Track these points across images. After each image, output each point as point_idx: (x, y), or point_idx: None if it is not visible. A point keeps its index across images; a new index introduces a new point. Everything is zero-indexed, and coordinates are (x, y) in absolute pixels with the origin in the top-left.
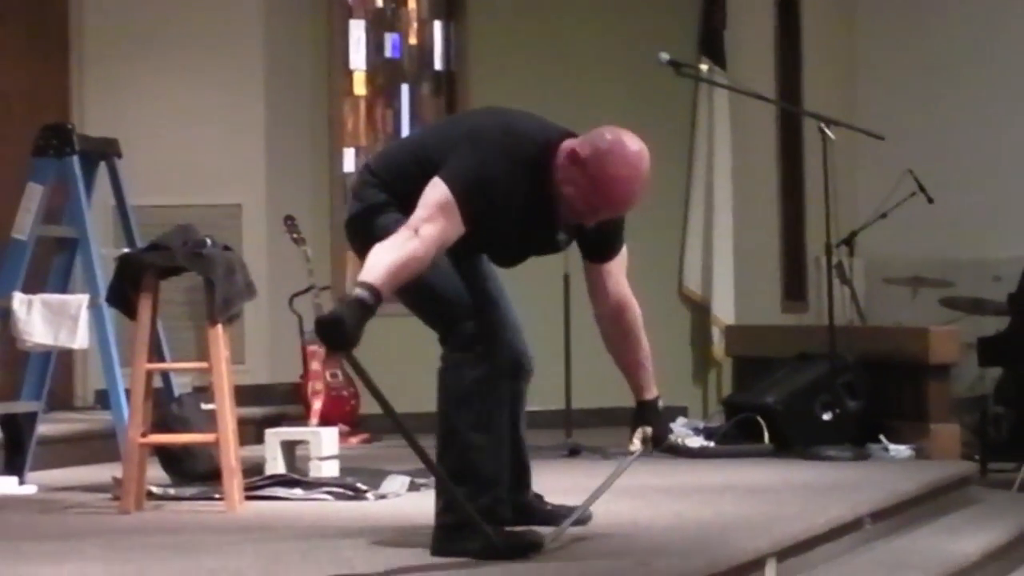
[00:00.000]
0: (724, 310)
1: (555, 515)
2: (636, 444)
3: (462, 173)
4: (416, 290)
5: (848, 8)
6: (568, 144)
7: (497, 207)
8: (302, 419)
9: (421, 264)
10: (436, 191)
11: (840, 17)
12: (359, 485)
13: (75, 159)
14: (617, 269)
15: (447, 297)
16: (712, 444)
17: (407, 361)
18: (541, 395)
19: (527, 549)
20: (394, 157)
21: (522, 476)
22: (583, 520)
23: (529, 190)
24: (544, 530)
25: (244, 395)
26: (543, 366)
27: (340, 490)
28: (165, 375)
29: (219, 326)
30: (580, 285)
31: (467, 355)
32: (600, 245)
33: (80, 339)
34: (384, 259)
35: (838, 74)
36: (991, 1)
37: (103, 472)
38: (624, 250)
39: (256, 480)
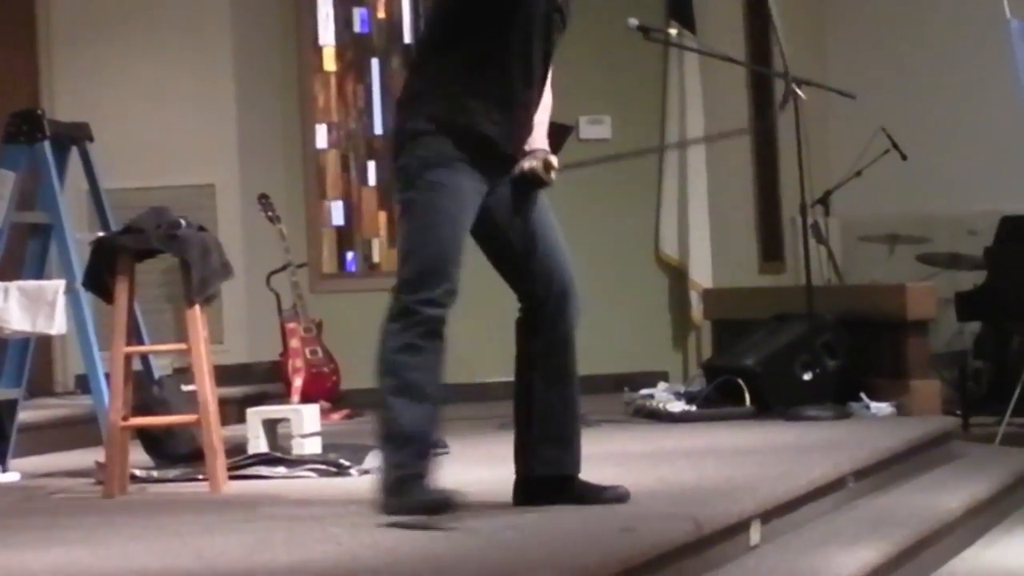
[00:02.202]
0: (701, 274)
1: (587, 492)
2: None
3: None
4: (404, 236)
5: None
6: None
7: None
8: (283, 397)
9: None
10: None
11: None
12: (342, 461)
13: (46, 144)
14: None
15: (418, 262)
16: (693, 408)
17: None
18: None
19: (438, 507)
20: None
21: (562, 440)
22: (622, 498)
23: None
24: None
25: (224, 375)
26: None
27: (323, 467)
28: (144, 358)
29: (196, 307)
30: None
31: (394, 325)
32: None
33: (58, 325)
34: None
35: (808, 33)
36: None
37: (86, 457)
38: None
39: (239, 460)
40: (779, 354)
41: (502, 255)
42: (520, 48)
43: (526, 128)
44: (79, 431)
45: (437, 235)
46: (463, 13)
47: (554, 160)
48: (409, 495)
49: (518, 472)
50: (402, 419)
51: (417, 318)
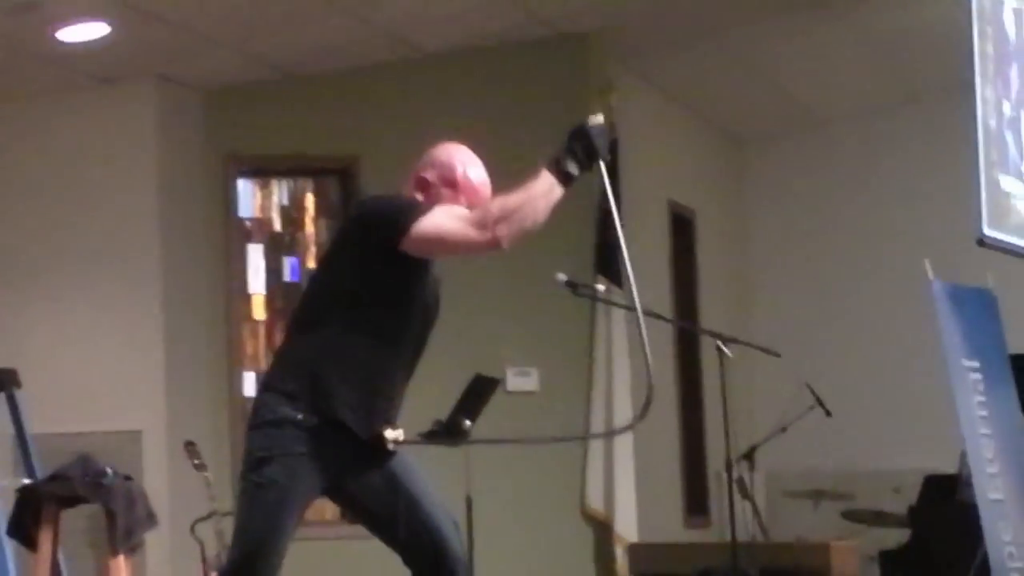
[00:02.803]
0: (627, 527)
1: None
2: None
3: (388, 208)
4: (235, 518)
5: (741, 225)
6: (410, 183)
7: None
8: None
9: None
10: (419, 227)
11: (733, 234)
12: None
13: None
14: None
15: (258, 541)
16: None
17: None
18: None
19: None
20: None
21: None
22: None
23: None
24: None
25: None
26: None
27: None
28: None
29: (120, 556)
30: (484, 508)
31: None
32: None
33: None
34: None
35: (733, 290)
36: (881, 218)
37: None
38: None
39: None
40: None
41: (375, 527)
42: (393, 338)
43: (388, 413)
44: None
45: (257, 533)
46: (342, 296)
47: (397, 435)
48: None
49: None
50: None
51: None
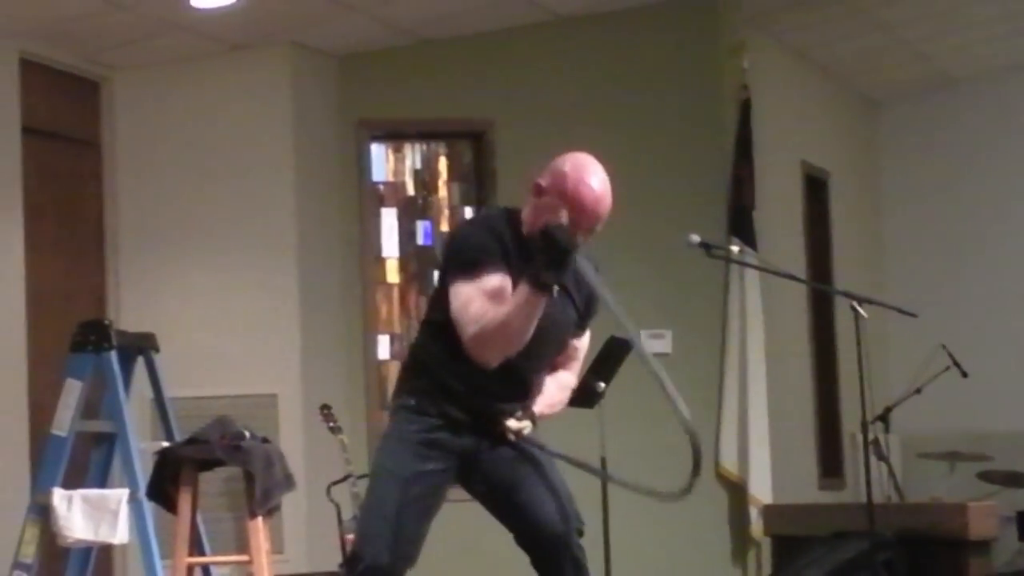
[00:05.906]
0: (761, 489)
1: None
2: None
3: (456, 252)
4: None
5: (875, 186)
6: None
7: (496, 250)
8: None
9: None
10: (456, 291)
11: (867, 195)
12: None
13: (113, 354)
14: (574, 360)
15: (367, 526)
16: None
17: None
18: None
19: None
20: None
21: None
22: None
23: (511, 234)
24: None
25: None
26: None
27: None
28: (206, 567)
29: (259, 518)
30: (618, 469)
31: None
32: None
33: (120, 534)
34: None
35: (867, 252)
36: (1016, 179)
37: None
38: (586, 337)
39: None
40: (839, 571)
41: (496, 511)
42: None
43: (503, 408)
44: None
45: (369, 514)
46: (439, 319)
47: (522, 426)
48: None
49: None
50: None
51: None
